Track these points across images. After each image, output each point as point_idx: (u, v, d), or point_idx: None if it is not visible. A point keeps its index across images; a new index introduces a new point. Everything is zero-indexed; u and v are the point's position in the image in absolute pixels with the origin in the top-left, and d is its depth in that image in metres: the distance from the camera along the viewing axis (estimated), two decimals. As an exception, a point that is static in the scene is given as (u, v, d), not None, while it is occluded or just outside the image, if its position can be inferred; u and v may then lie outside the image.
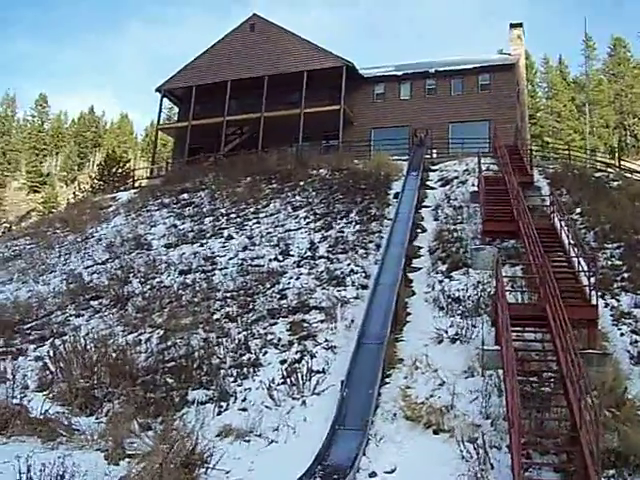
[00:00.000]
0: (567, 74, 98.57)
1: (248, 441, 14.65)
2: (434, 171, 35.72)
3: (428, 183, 33.63)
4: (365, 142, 43.80)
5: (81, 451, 12.08)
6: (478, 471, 11.98)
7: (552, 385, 14.89)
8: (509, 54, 50.00)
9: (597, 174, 35.09)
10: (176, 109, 56.68)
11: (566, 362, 13.82)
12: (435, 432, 14.18)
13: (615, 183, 32.87)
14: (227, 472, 12.22)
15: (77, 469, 9.44)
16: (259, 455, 13.98)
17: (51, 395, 16.57)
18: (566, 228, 22.71)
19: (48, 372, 18.20)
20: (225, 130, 46.08)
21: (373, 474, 12.80)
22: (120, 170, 58.04)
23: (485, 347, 16.79)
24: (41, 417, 13.85)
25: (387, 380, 16.67)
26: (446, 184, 33.20)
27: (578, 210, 28.17)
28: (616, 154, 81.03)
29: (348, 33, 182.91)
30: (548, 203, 26.92)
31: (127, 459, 12.09)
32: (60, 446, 12.37)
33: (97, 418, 15.60)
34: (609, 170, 38.61)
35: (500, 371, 15.42)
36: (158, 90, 49.48)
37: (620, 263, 23.09)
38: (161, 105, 51.07)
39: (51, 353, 18.87)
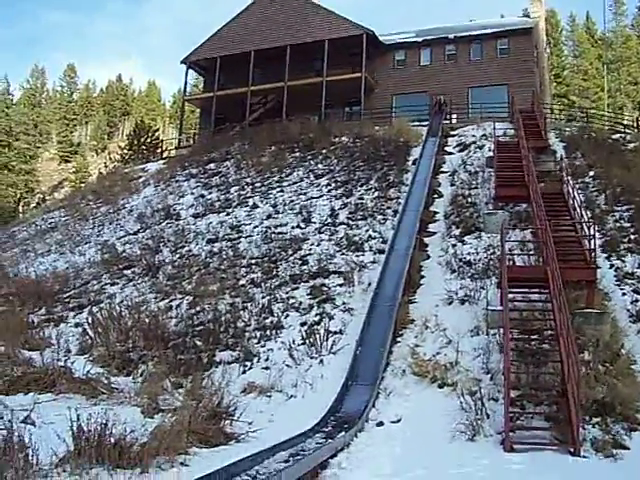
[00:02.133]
0: (594, 31, 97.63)
1: (269, 396, 16.10)
2: (453, 136, 36.30)
3: (447, 148, 34.34)
4: (386, 108, 44.43)
5: (120, 406, 13.47)
6: (474, 420, 13.26)
7: (550, 342, 16.00)
8: (528, 16, 50.34)
9: (614, 136, 35.39)
10: (202, 80, 57.40)
11: (560, 321, 14.98)
12: (440, 386, 15.46)
13: (632, 145, 33.15)
14: (250, 423, 13.56)
15: (118, 420, 10.87)
16: (279, 408, 15.40)
17: (91, 358, 18.07)
18: (573, 192, 23.54)
19: (87, 337, 19.75)
20: (250, 99, 46.74)
21: (380, 423, 14.12)
22: (149, 140, 59.18)
23: (490, 307, 17.96)
24: (84, 377, 15.31)
25: (398, 339, 17.95)
26: (464, 149, 33.92)
27: (591, 173, 28.70)
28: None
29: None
30: (560, 168, 27.70)
31: (161, 413, 13.48)
32: (101, 402, 13.79)
33: (133, 378, 17.05)
34: (627, 131, 38.91)
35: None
36: (183, 62, 50.32)
37: (628, 225, 23.74)
38: (187, 76, 51.84)
39: (89, 320, 20.42)
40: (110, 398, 14.28)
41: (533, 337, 16.57)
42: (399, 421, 14.20)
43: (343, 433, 12.81)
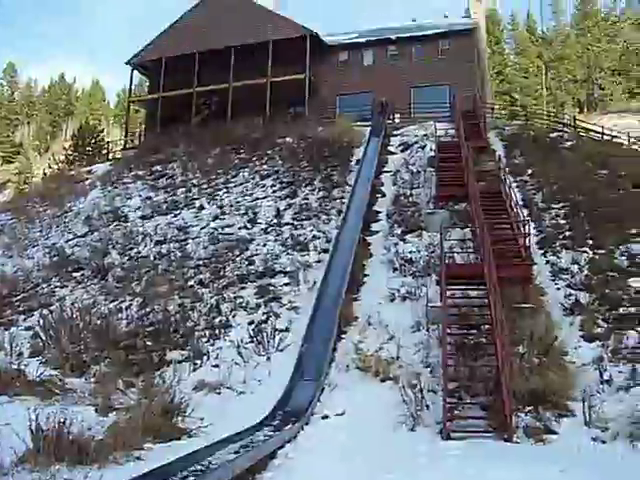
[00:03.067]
0: (535, 29, 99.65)
1: (219, 393, 16.67)
2: (396, 136, 36.93)
3: (390, 148, 35.02)
4: (331, 109, 45.07)
5: (75, 406, 13.90)
6: (414, 411, 14.03)
7: (487, 337, 16.82)
8: (469, 16, 51.41)
9: (553, 134, 36.31)
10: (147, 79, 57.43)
11: (494, 316, 15.85)
12: (382, 380, 16.22)
13: (569, 143, 34.11)
14: (201, 419, 14.13)
15: (74, 419, 11.36)
16: (229, 404, 15.97)
17: (44, 360, 18.41)
18: (510, 191, 24.50)
19: (39, 340, 20.03)
20: (195, 101, 47.11)
21: (325, 416, 14.82)
22: (94, 141, 59.03)
23: (430, 304, 18.78)
24: (37, 379, 15.74)
25: (343, 336, 18.68)
26: (406, 149, 34.65)
27: (529, 171, 29.63)
28: (584, 108, 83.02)
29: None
30: (499, 167, 28.65)
31: (115, 411, 13.99)
32: (56, 403, 14.19)
33: (86, 379, 17.44)
34: (565, 130, 40.04)
35: (442, 325, 17.36)
36: (128, 63, 50.40)
37: (564, 222, 24.55)
38: (132, 78, 51.98)
39: (41, 322, 20.70)
40: (65, 398, 14.74)
41: (471, 332, 17.40)
42: (343, 414, 14.89)
43: (290, 426, 13.47)
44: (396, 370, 16.37)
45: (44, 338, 19.85)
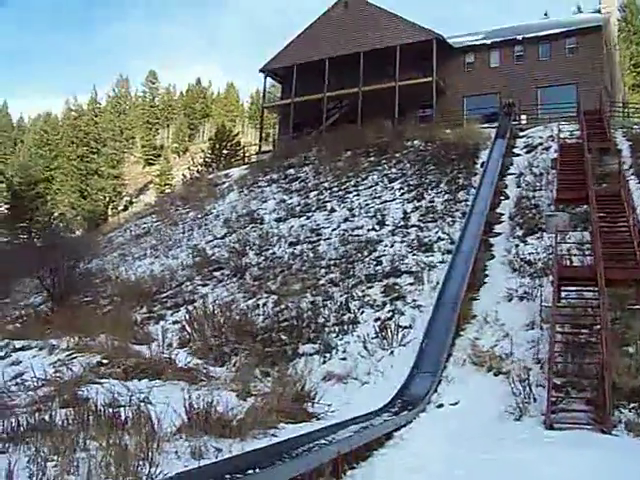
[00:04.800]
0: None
1: (346, 383, 18.45)
2: (521, 137, 37.55)
3: (514, 150, 35.66)
4: (457, 110, 46.05)
5: (218, 391, 15.81)
6: (522, 403, 15.24)
7: (597, 336, 17.67)
8: (600, 12, 50.99)
9: None
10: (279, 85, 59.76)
11: (601, 316, 16.84)
12: (495, 374, 17.44)
13: None
14: (328, 405, 15.79)
15: (219, 401, 13.31)
16: (354, 393, 17.72)
17: (190, 351, 20.73)
18: (629, 193, 24.85)
19: (185, 333, 22.43)
20: (326, 105, 49.08)
21: (440, 405, 16.29)
22: (230, 144, 62.03)
23: (544, 304, 19.78)
24: (185, 367, 17.90)
25: (461, 333, 19.95)
26: (530, 151, 35.20)
27: None
28: None
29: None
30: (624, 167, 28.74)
31: (252, 397, 15.84)
32: (202, 387, 16.25)
33: (227, 368, 19.58)
34: None
35: (556, 324, 18.35)
36: (262, 71, 52.97)
37: None
38: (265, 85, 54.75)
39: (187, 317, 23.06)
40: (209, 384, 16.72)
41: (583, 331, 18.33)
42: (457, 404, 16.30)
43: (406, 412, 15.00)
44: (508, 365, 17.55)
45: (190, 331, 22.18)
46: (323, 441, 10.33)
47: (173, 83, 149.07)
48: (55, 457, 9.61)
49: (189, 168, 64.26)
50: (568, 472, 10.46)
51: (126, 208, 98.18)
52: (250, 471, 7.81)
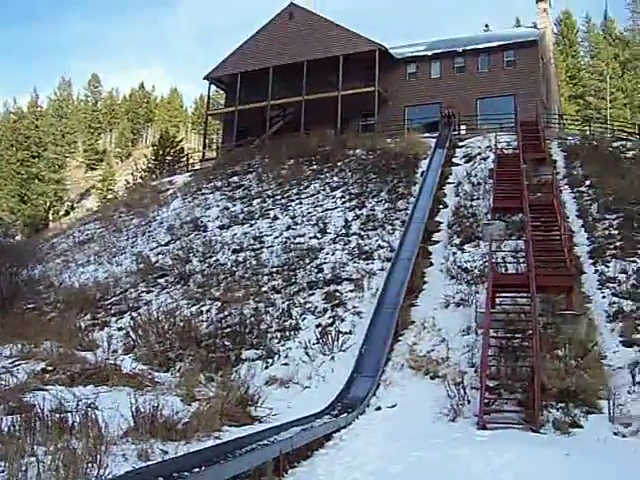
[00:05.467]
0: (612, 30, 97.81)
1: (288, 387, 19.09)
2: (460, 147, 38.39)
3: (454, 160, 36.43)
4: (399, 120, 46.73)
5: (163, 396, 16.10)
6: (456, 404, 15.97)
7: (529, 340, 18.45)
8: (536, 27, 52.46)
9: (615, 144, 36.88)
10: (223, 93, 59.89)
11: (533, 321, 17.69)
12: (432, 378, 18.25)
13: (631, 153, 34.62)
14: (271, 408, 16.21)
15: (165, 405, 13.69)
16: (296, 397, 18.33)
17: (135, 357, 20.99)
18: (559, 203, 25.85)
19: (130, 339, 22.70)
20: (269, 113, 49.50)
21: (379, 408, 17.00)
22: (173, 150, 62.02)
23: (479, 310, 20.53)
24: (131, 373, 18.19)
25: (399, 338, 20.71)
26: (469, 161, 36.04)
27: (587, 182, 30.61)
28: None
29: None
30: (558, 178, 29.79)
31: (197, 401, 16.20)
32: (147, 393, 16.51)
33: (172, 373, 19.90)
34: (630, 138, 40.36)
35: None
36: (206, 78, 53.11)
37: (616, 232, 25.56)
38: (209, 92, 55.01)
39: (131, 324, 23.34)
40: (154, 389, 17.00)
41: (516, 335, 19.14)
42: (394, 406, 17.02)
43: (346, 415, 15.59)
44: (444, 369, 18.33)
45: (135, 338, 22.47)
46: (266, 442, 10.85)
47: (116, 87, 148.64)
48: (2, 463, 9.75)
49: (132, 174, 64.18)
50: (497, 465, 11.20)
51: (67, 213, 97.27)
52: (196, 469, 8.27)
